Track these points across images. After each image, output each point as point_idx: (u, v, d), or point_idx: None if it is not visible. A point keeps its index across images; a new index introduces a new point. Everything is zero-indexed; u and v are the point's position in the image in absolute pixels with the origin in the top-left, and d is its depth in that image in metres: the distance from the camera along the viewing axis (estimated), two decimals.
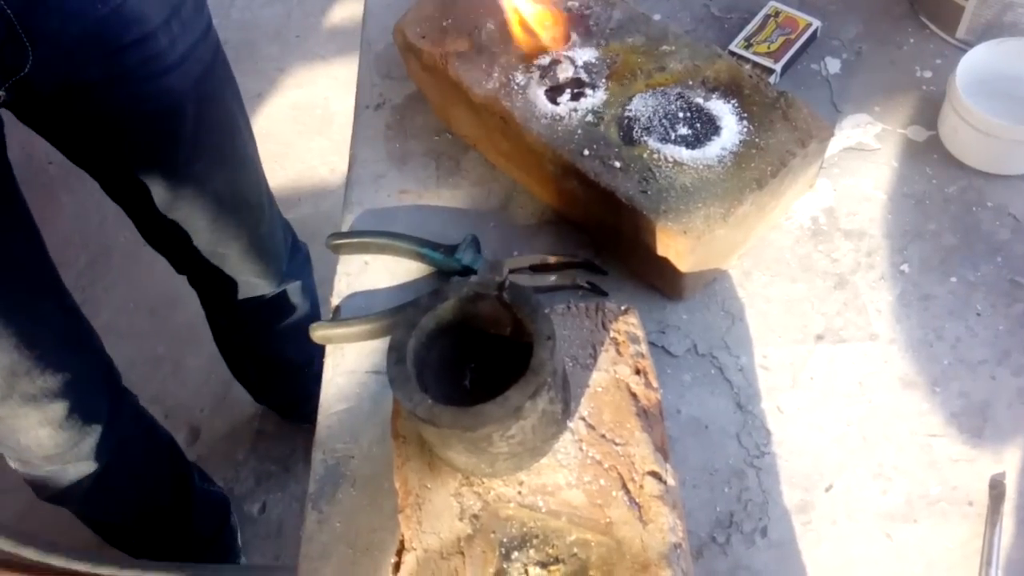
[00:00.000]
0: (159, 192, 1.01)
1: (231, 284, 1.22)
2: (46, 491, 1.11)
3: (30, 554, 0.73)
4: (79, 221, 1.99)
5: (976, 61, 0.75)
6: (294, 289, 1.33)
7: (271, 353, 1.45)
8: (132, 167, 0.99)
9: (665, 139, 0.69)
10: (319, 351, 0.75)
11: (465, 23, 0.78)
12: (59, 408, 0.99)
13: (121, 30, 0.85)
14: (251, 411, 1.71)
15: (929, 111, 0.80)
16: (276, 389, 1.60)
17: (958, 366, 0.67)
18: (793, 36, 0.83)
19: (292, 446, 1.66)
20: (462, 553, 0.55)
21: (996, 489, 0.61)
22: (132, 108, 0.92)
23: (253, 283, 1.24)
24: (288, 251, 1.30)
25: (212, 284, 1.25)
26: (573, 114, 0.71)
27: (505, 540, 0.54)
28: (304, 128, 2.13)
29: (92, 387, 1.06)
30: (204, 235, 1.10)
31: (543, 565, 0.53)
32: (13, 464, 1.07)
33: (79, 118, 0.92)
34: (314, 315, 1.40)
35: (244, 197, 1.13)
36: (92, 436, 1.05)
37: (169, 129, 0.96)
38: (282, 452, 1.66)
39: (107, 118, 0.92)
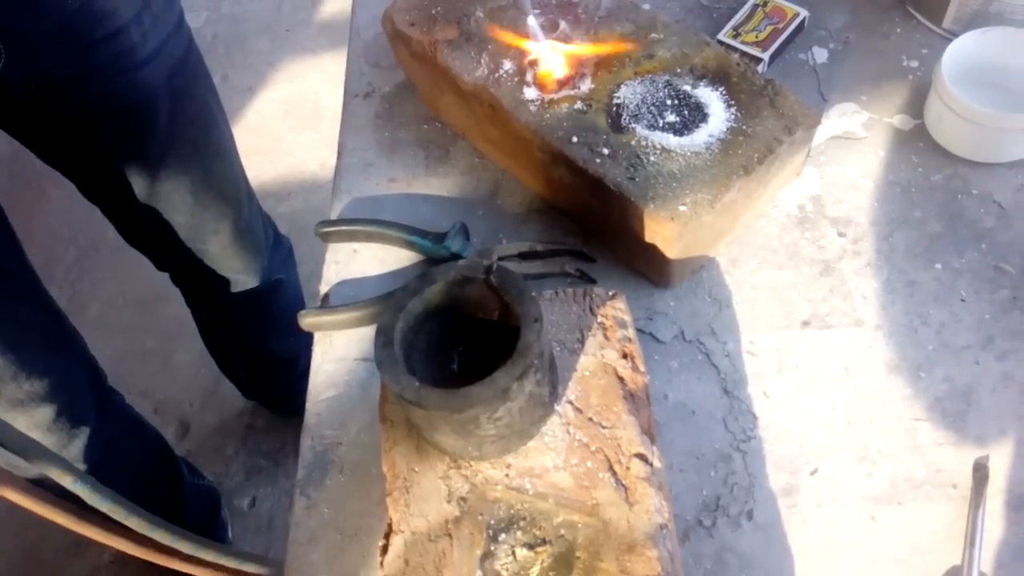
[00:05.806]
0: (135, 187, 1.01)
1: (213, 279, 1.21)
2: None
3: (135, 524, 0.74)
4: (68, 215, 1.98)
5: (962, 50, 0.76)
6: (277, 283, 1.32)
7: (257, 348, 1.45)
8: (107, 163, 0.98)
9: (653, 126, 0.69)
10: (306, 346, 0.75)
11: (454, 11, 0.78)
12: (46, 412, 0.98)
13: (92, 25, 0.84)
14: (241, 405, 1.70)
15: (915, 100, 0.81)
16: (263, 384, 1.59)
17: (942, 351, 0.68)
18: (781, 25, 0.84)
19: (282, 440, 1.66)
20: (450, 535, 0.55)
21: (979, 472, 0.62)
22: (105, 104, 0.91)
23: (235, 278, 1.23)
24: (270, 245, 1.29)
25: (194, 280, 1.24)
26: (561, 102, 0.71)
27: (493, 522, 0.55)
28: (294, 122, 2.13)
29: (78, 390, 1.05)
30: (183, 230, 1.10)
31: (530, 547, 0.53)
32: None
33: (52, 116, 0.91)
34: (299, 309, 1.39)
35: (222, 191, 1.12)
36: (80, 438, 1.05)
37: (143, 124, 0.96)
38: (272, 446, 1.66)
39: (80, 115, 0.92)
